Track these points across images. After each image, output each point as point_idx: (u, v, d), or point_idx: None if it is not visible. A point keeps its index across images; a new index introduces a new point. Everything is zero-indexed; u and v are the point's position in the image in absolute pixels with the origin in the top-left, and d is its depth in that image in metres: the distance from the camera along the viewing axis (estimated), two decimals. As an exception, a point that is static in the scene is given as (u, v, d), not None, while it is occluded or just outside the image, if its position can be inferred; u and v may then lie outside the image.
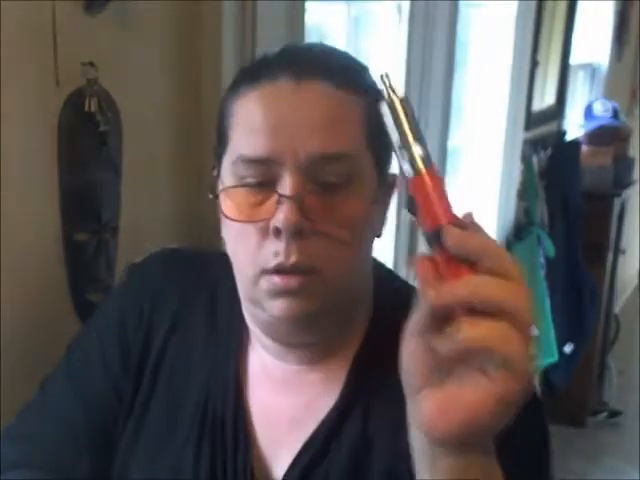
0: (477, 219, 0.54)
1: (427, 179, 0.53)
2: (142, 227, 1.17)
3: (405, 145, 0.53)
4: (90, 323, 0.89)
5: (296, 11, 1.34)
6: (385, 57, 1.97)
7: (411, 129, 0.54)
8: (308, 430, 0.75)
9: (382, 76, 0.54)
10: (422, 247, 2.14)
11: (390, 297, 0.79)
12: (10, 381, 0.98)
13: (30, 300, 1.01)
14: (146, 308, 0.83)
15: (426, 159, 0.53)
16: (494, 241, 0.52)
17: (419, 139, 0.53)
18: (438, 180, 0.53)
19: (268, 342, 0.77)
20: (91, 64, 0.99)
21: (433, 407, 0.53)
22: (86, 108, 1.00)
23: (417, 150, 0.53)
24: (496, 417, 0.51)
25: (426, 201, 0.52)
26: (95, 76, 1.00)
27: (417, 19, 1.93)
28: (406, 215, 2.05)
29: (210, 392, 0.79)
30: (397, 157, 0.54)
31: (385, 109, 0.54)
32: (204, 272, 0.85)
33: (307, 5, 1.39)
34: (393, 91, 0.54)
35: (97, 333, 0.84)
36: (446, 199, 0.53)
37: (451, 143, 2.29)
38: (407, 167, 0.53)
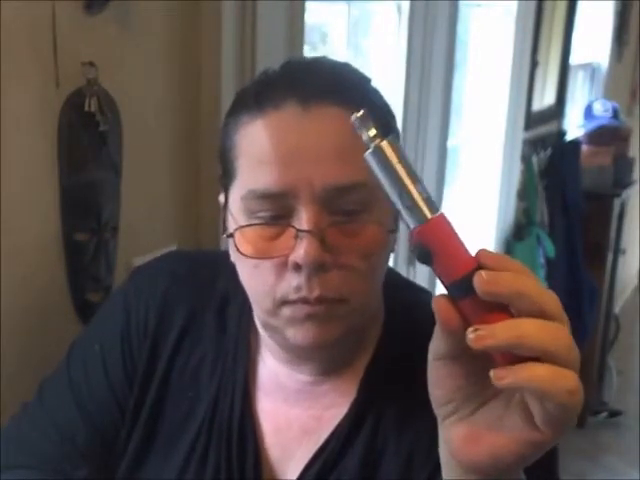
0: (496, 251, 0.49)
1: (439, 224, 0.48)
2: (142, 227, 1.17)
3: (406, 192, 0.48)
4: (91, 329, 0.86)
5: (296, 11, 1.34)
6: (385, 57, 1.97)
7: (407, 172, 0.48)
8: (319, 441, 0.74)
9: (356, 119, 0.49)
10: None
11: (401, 307, 0.78)
12: (10, 381, 0.98)
13: (30, 300, 1.01)
14: (152, 320, 0.80)
15: (431, 201, 0.48)
16: (527, 274, 0.48)
17: (418, 180, 0.48)
18: (449, 222, 0.48)
19: (282, 354, 0.76)
20: (91, 64, 1.00)
21: (462, 435, 0.52)
22: (86, 108, 1.00)
23: (422, 194, 0.48)
24: (526, 459, 0.51)
25: (444, 249, 0.47)
26: (95, 76, 1.00)
27: (417, 19, 1.93)
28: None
29: (218, 404, 0.77)
30: (396, 206, 0.48)
31: (371, 158, 0.48)
32: (213, 281, 0.82)
33: (307, 5, 1.39)
34: (376, 134, 0.48)
35: (100, 346, 0.81)
36: (461, 241, 0.48)
37: (451, 143, 2.29)
38: (411, 215, 0.48)
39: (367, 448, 0.73)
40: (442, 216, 0.48)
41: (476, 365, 0.50)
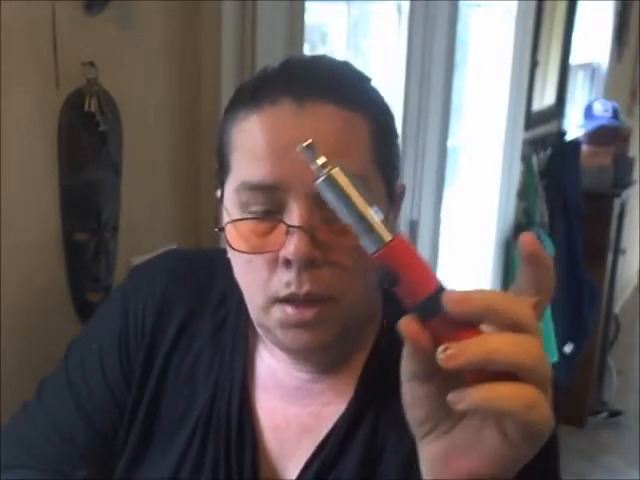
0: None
1: (401, 246, 0.47)
2: (142, 227, 1.18)
3: (363, 216, 0.48)
4: (90, 328, 0.86)
5: (296, 11, 1.34)
6: (385, 57, 1.97)
7: (361, 196, 0.48)
8: (318, 438, 0.74)
9: (303, 149, 0.49)
10: (420, 244, 2.14)
11: (399, 304, 0.78)
12: (10, 381, 0.98)
13: (30, 300, 1.01)
14: (149, 319, 0.80)
15: (387, 223, 0.48)
16: (494, 291, 0.48)
17: (372, 204, 0.48)
18: (409, 242, 0.48)
19: (279, 352, 0.76)
20: (91, 64, 1.00)
21: (440, 453, 0.52)
22: (86, 108, 1.00)
23: (378, 216, 0.48)
24: (505, 473, 0.50)
25: (408, 269, 0.47)
26: (95, 76, 1.00)
27: (417, 19, 1.93)
28: (405, 217, 2.05)
29: (215, 401, 0.77)
30: (354, 231, 0.48)
31: (324, 186, 0.48)
32: (212, 280, 0.82)
33: (307, 5, 1.39)
34: (325, 162, 0.48)
35: (98, 345, 0.82)
36: (423, 260, 0.48)
37: (451, 143, 2.29)
38: (371, 238, 0.48)
39: (366, 446, 0.73)
40: (401, 236, 0.48)
41: (450, 382, 0.49)
